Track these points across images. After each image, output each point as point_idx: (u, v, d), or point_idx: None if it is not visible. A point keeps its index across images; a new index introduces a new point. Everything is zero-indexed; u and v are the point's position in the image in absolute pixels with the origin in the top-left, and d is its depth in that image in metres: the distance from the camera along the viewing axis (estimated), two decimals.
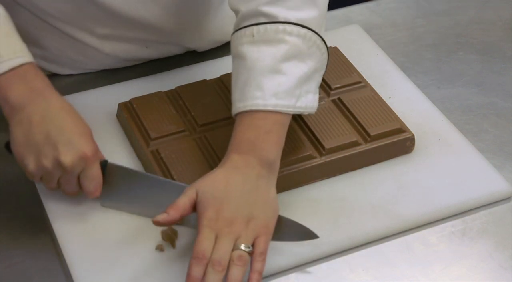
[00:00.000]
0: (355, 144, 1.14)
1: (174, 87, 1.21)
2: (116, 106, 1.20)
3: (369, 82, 1.24)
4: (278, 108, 1.03)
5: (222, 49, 1.34)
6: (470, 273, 1.04)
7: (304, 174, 1.11)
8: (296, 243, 1.04)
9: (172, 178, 1.08)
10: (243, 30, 1.06)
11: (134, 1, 1.18)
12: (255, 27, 1.05)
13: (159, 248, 1.04)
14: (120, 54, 1.27)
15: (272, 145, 1.03)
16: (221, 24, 1.30)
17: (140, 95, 1.19)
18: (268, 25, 1.04)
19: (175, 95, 1.20)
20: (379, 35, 1.40)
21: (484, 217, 1.11)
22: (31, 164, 1.01)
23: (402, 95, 1.26)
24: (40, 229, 1.08)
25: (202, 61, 1.31)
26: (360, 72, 1.25)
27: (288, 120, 1.05)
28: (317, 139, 1.13)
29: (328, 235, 1.06)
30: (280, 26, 1.04)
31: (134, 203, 1.07)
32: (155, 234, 1.04)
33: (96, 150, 1.03)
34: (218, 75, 1.23)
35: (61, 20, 1.21)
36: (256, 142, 1.02)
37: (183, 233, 1.05)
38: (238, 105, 1.04)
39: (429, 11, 1.47)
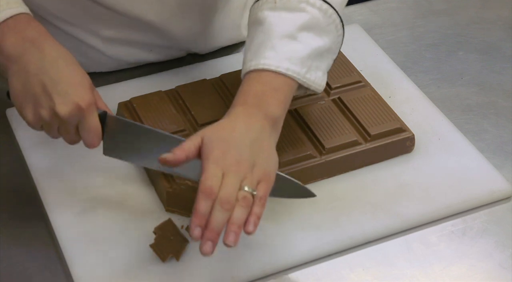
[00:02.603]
0: (355, 143, 1.14)
1: (174, 87, 1.21)
2: (116, 106, 1.20)
3: (369, 82, 1.24)
4: (289, 73, 1.03)
5: (222, 50, 1.34)
6: (470, 272, 1.04)
7: (304, 174, 1.11)
8: (296, 242, 1.04)
9: (173, 177, 1.08)
10: None
11: (141, 2, 1.19)
12: None
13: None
14: (123, 57, 1.27)
15: (279, 102, 1.03)
16: (223, 28, 1.31)
17: (140, 95, 1.19)
18: None
19: (175, 95, 1.20)
20: (379, 35, 1.40)
21: (484, 216, 1.11)
22: (29, 114, 1.00)
23: (402, 95, 1.26)
24: (40, 229, 1.08)
25: (202, 61, 1.31)
26: (360, 72, 1.25)
27: (295, 86, 1.05)
28: (317, 139, 1.13)
29: (328, 235, 1.06)
30: None
31: (135, 153, 1.06)
32: None
33: (93, 101, 1.01)
34: (218, 75, 1.23)
35: (67, 22, 1.21)
36: (263, 96, 1.02)
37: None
38: (250, 64, 1.04)
39: (429, 11, 1.47)
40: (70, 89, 0.99)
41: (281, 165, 1.06)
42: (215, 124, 1.00)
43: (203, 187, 0.94)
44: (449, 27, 1.44)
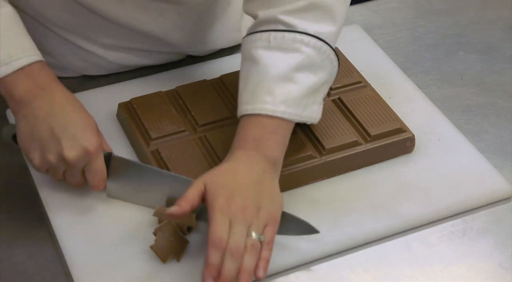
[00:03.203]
0: (355, 143, 1.14)
1: (174, 87, 1.21)
2: (116, 106, 1.20)
3: (369, 82, 1.24)
4: (285, 116, 1.04)
5: (222, 51, 1.34)
6: (470, 273, 1.04)
7: (304, 174, 1.11)
8: (296, 242, 1.04)
9: None
10: (258, 34, 1.06)
11: (142, 15, 1.19)
12: (272, 33, 1.05)
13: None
14: (123, 61, 1.28)
15: (277, 144, 1.04)
16: (222, 33, 1.31)
17: (140, 95, 1.19)
18: (286, 33, 1.05)
19: (175, 95, 1.20)
20: (379, 35, 1.40)
21: (484, 216, 1.11)
22: (36, 158, 1.02)
23: (402, 95, 1.26)
24: (40, 229, 1.08)
25: (202, 62, 1.31)
26: (360, 72, 1.25)
27: (292, 125, 1.07)
28: (317, 139, 1.13)
29: (329, 235, 1.06)
30: (298, 36, 1.05)
31: (139, 194, 1.07)
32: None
33: (100, 144, 1.03)
34: (218, 75, 1.23)
35: (67, 30, 1.21)
36: (261, 139, 1.03)
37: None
38: (246, 108, 1.05)
39: (429, 11, 1.47)
40: (78, 133, 1.01)
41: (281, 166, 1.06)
42: (217, 169, 1.02)
43: (213, 238, 0.95)
44: (449, 27, 1.44)
